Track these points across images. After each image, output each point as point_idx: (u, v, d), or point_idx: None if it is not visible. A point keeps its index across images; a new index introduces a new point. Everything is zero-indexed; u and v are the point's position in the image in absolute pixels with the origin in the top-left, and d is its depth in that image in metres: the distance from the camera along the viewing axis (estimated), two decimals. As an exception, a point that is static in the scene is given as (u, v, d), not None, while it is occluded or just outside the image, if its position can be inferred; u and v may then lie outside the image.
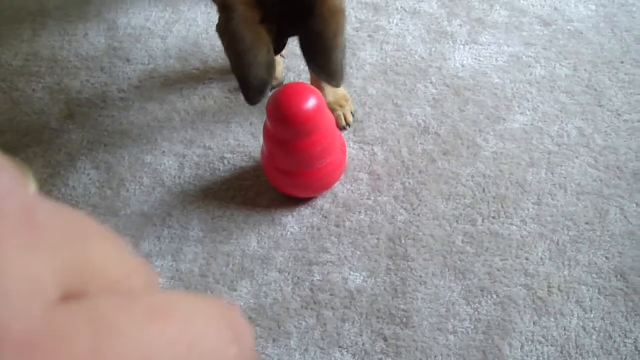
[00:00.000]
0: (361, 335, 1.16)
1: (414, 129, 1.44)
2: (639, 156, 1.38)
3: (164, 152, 1.45)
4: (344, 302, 1.20)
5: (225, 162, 1.42)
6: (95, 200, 1.38)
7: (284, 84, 1.44)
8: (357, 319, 1.18)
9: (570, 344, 1.13)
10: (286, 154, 1.23)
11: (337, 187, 1.35)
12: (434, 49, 1.60)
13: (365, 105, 1.49)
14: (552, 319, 1.16)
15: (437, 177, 1.36)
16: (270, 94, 1.20)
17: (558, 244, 1.25)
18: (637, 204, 1.30)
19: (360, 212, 1.32)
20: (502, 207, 1.31)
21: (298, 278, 1.24)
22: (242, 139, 1.45)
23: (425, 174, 1.37)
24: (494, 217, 1.30)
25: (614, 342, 1.13)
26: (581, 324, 1.16)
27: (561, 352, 1.13)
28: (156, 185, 1.40)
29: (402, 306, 1.19)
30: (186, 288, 1.25)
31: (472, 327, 1.16)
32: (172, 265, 1.28)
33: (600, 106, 1.47)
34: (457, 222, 1.29)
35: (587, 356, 1.12)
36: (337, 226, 1.30)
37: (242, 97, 1.51)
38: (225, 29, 1.06)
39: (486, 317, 1.17)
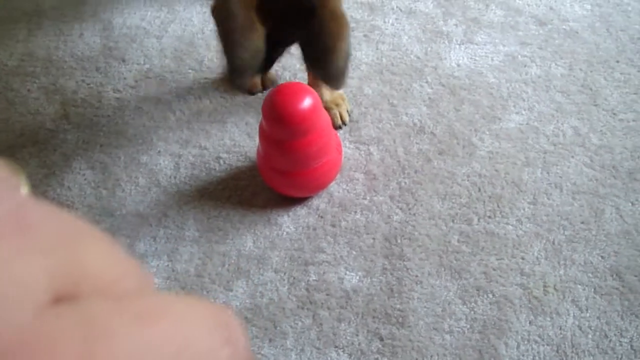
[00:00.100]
0: (357, 335, 1.16)
1: (410, 129, 1.44)
2: (634, 155, 1.38)
3: (159, 151, 1.45)
4: (340, 301, 1.20)
5: (221, 161, 1.42)
6: (90, 200, 1.38)
7: (279, 83, 1.44)
8: (353, 318, 1.18)
9: (566, 343, 1.14)
10: (282, 154, 1.23)
11: (333, 186, 1.35)
12: (429, 49, 1.60)
13: (361, 105, 1.49)
14: (548, 318, 1.17)
15: (433, 176, 1.36)
16: (265, 93, 1.20)
17: (554, 243, 1.26)
18: (632, 203, 1.30)
19: (356, 212, 1.32)
20: (498, 206, 1.31)
21: (294, 278, 1.24)
22: (238, 139, 1.45)
23: (420, 174, 1.37)
24: (489, 217, 1.30)
25: (610, 341, 1.14)
26: (577, 323, 1.16)
27: (557, 351, 1.13)
28: (152, 185, 1.39)
29: (398, 306, 1.19)
30: (182, 288, 1.24)
31: (468, 326, 1.16)
32: (167, 265, 1.27)
33: (596, 105, 1.47)
34: (453, 221, 1.30)
35: (583, 355, 1.12)
36: (333, 226, 1.30)
37: (237, 97, 1.52)
38: (221, 8, 1.05)
39: (482, 316, 1.17)
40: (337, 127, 1.42)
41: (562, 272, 1.22)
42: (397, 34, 1.64)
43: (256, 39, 1.04)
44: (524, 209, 1.31)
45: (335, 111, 1.42)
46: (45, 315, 0.17)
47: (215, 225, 1.32)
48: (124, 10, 1.78)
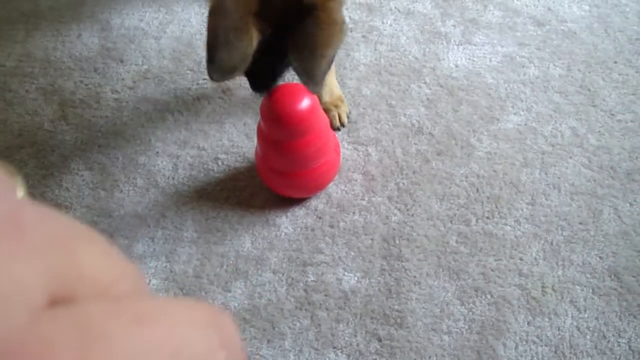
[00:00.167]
0: (355, 336, 1.16)
1: (408, 129, 1.44)
2: (632, 156, 1.38)
3: (157, 152, 1.45)
4: (338, 302, 1.20)
5: (219, 162, 1.42)
6: (88, 201, 1.38)
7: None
8: (351, 319, 1.18)
9: (564, 344, 1.14)
10: (280, 154, 1.23)
11: (331, 187, 1.35)
12: (427, 49, 1.61)
13: (359, 106, 1.49)
14: (546, 319, 1.17)
15: (431, 177, 1.36)
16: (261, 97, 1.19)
17: (552, 243, 1.26)
18: (630, 204, 1.31)
19: (354, 213, 1.32)
20: (496, 207, 1.31)
21: (292, 279, 1.24)
22: (236, 140, 1.45)
23: (419, 174, 1.37)
24: (487, 217, 1.30)
25: (608, 341, 1.14)
26: (575, 323, 1.16)
27: (555, 352, 1.13)
28: (150, 186, 1.39)
29: (396, 306, 1.19)
30: (180, 289, 1.24)
31: (466, 327, 1.16)
32: (165, 266, 1.27)
33: (594, 106, 1.47)
34: (451, 222, 1.30)
35: (581, 356, 1.12)
36: (331, 227, 1.30)
37: (234, 97, 1.52)
38: (218, 6, 1.04)
39: (480, 317, 1.17)
40: (335, 129, 1.42)
41: (560, 272, 1.22)
42: (396, 35, 1.64)
43: (246, 43, 1.03)
44: (522, 210, 1.31)
45: (334, 113, 1.42)
46: (41, 318, 0.17)
47: (213, 226, 1.32)
48: (122, 11, 1.78)
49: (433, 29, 1.65)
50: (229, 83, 1.55)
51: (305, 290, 1.22)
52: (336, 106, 1.43)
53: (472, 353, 1.14)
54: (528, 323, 1.16)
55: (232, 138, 1.45)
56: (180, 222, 1.33)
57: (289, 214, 1.33)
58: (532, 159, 1.38)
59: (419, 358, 1.14)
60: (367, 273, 1.24)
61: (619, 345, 1.13)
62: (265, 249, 1.28)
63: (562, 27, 1.64)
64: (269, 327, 1.18)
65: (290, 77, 1.54)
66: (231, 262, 1.27)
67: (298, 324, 1.18)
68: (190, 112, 1.51)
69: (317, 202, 1.33)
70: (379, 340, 1.16)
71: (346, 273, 1.24)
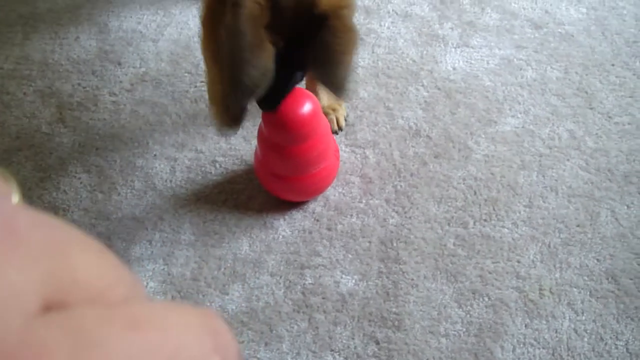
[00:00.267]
0: (353, 339, 1.16)
1: (406, 132, 1.44)
2: (629, 158, 1.38)
3: (155, 155, 1.45)
4: (336, 305, 1.20)
5: (217, 165, 1.42)
6: (86, 203, 1.38)
7: None
8: (348, 322, 1.18)
9: (562, 347, 1.14)
10: (281, 159, 1.23)
11: (329, 190, 1.35)
12: (425, 52, 1.61)
13: (357, 109, 1.49)
14: (544, 322, 1.17)
15: (429, 179, 1.36)
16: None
17: (549, 246, 1.26)
18: (627, 206, 1.31)
19: (351, 215, 1.32)
20: (494, 209, 1.31)
21: (290, 281, 1.24)
22: (234, 142, 1.45)
23: (416, 177, 1.37)
24: (485, 220, 1.30)
25: (605, 344, 1.14)
26: (572, 326, 1.16)
27: (552, 355, 1.13)
28: (147, 189, 1.39)
29: (394, 309, 1.19)
30: (177, 291, 1.24)
31: (464, 329, 1.16)
32: (163, 268, 1.27)
33: (591, 109, 1.47)
34: (449, 224, 1.30)
35: (579, 359, 1.12)
36: (329, 229, 1.30)
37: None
38: (229, 26, 1.03)
39: (478, 319, 1.17)
40: (333, 132, 1.42)
41: (557, 275, 1.22)
42: (393, 38, 1.64)
43: (266, 58, 1.02)
44: (519, 212, 1.31)
45: (332, 116, 1.42)
46: (34, 324, 0.17)
47: (211, 228, 1.32)
48: (120, 13, 1.78)
49: (431, 32, 1.66)
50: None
51: (303, 293, 1.22)
52: (334, 110, 1.43)
53: (470, 356, 1.13)
54: (525, 325, 1.16)
55: (229, 141, 1.45)
56: (178, 225, 1.33)
57: (286, 216, 1.33)
58: (529, 162, 1.38)
59: (416, 361, 1.14)
60: (364, 276, 1.24)
61: (617, 348, 1.13)
62: (262, 251, 1.28)
63: (559, 30, 1.64)
64: (267, 330, 1.18)
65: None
66: (229, 264, 1.27)
67: (296, 327, 1.18)
68: (188, 115, 1.52)
69: (314, 205, 1.33)
70: (377, 342, 1.16)
71: (344, 276, 1.24)
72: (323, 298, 1.21)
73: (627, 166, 1.37)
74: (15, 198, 0.21)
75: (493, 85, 1.52)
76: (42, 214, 0.20)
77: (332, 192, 1.35)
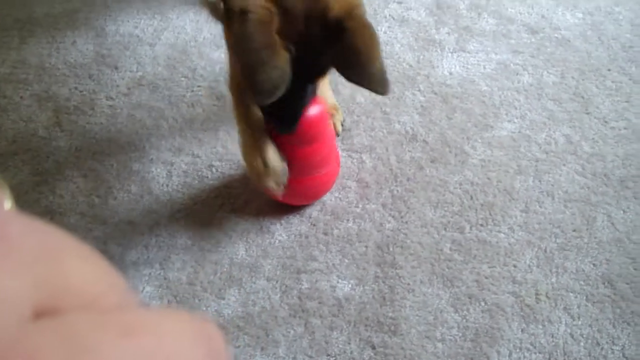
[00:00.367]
0: (349, 343, 1.16)
1: (402, 137, 1.44)
2: (625, 163, 1.38)
3: (151, 159, 1.45)
4: (332, 310, 1.20)
5: (213, 169, 1.42)
6: (82, 208, 1.38)
7: None
8: (345, 326, 1.18)
9: (558, 351, 1.14)
10: (285, 159, 1.22)
11: (326, 194, 1.35)
12: (421, 57, 1.61)
13: (354, 113, 1.49)
14: (540, 326, 1.17)
15: (425, 184, 1.36)
16: None
17: (545, 251, 1.26)
18: (624, 211, 1.31)
19: (348, 220, 1.32)
20: (490, 214, 1.31)
21: (286, 286, 1.24)
22: (230, 147, 1.45)
23: (413, 182, 1.37)
24: (481, 225, 1.30)
25: (602, 349, 1.14)
26: (569, 331, 1.16)
27: (549, 359, 1.13)
28: (144, 193, 1.39)
29: (390, 314, 1.19)
30: (174, 296, 1.24)
31: (460, 334, 1.16)
32: (159, 273, 1.27)
33: (587, 113, 1.47)
34: (445, 229, 1.30)
35: (575, 363, 1.12)
36: (325, 234, 1.30)
37: (229, 104, 1.51)
38: (238, 32, 1.03)
39: (474, 324, 1.17)
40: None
41: (554, 280, 1.22)
42: (390, 42, 1.65)
43: (282, 60, 1.01)
44: (516, 217, 1.31)
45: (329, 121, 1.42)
46: (27, 330, 0.17)
47: (207, 233, 1.32)
48: (117, 17, 1.78)
49: (427, 37, 1.66)
50: (223, 90, 1.55)
51: (299, 298, 1.22)
52: (331, 115, 1.43)
53: (466, 360, 1.13)
54: (522, 330, 1.16)
55: (226, 145, 1.45)
56: (174, 229, 1.33)
57: (283, 221, 1.33)
58: (525, 167, 1.38)
59: (412, 365, 1.14)
60: (361, 280, 1.23)
61: (613, 353, 1.13)
62: (259, 256, 1.28)
63: (555, 35, 1.65)
64: (263, 335, 1.18)
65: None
66: (225, 269, 1.27)
67: (292, 332, 1.18)
68: (185, 119, 1.52)
69: (311, 210, 1.33)
70: (373, 347, 1.15)
71: (340, 280, 1.24)
72: (319, 303, 1.21)
73: (623, 171, 1.37)
74: (8, 204, 0.21)
75: (489, 90, 1.53)
76: (35, 220, 0.20)
77: (329, 197, 1.35)
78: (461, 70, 1.57)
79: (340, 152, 1.41)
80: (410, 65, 1.59)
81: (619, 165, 1.38)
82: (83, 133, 1.51)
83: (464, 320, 1.18)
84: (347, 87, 1.53)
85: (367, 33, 1.03)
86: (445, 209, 1.33)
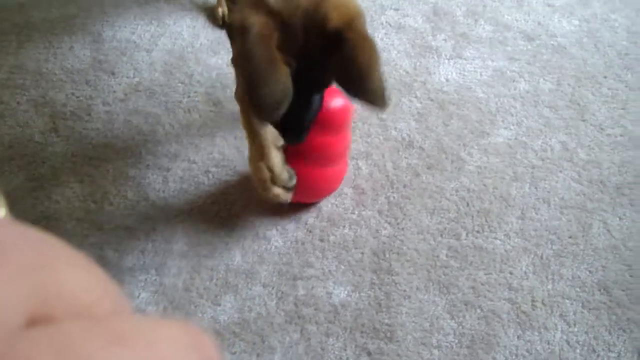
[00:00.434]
0: (345, 350, 1.16)
1: (399, 143, 1.44)
2: (621, 170, 1.39)
3: (148, 165, 1.44)
4: (328, 316, 1.20)
5: (210, 176, 1.42)
6: (78, 213, 1.38)
7: None
8: (341, 333, 1.18)
9: (554, 358, 1.14)
10: (305, 147, 1.21)
11: (322, 201, 1.35)
12: (418, 63, 1.61)
13: (350, 119, 1.49)
14: (536, 333, 1.17)
15: (421, 191, 1.36)
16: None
17: (542, 257, 1.26)
18: (620, 218, 1.31)
19: (344, 226, 1.32)
20: (486, 221, 1.31)
21: (282, 292, 1.24)
22: (227, 153, 1.45)
23: (409, 188, 1.37)
24: (477, 231, 1.30)
25: (598, 355, 1.14)
26: (565, 337, 1.16)
27: (545, 366, 1.13)
28: (140, 199, 1.39)
29: (386, 320, 1.19)
30: (169, 302, 1.24)
31: (456, 341, 1.16)
32: (155, 279, 1.27)
33: (584, 120, 1.48)
34: (441, 236, 1.30)
35: (571, 370, 1.12)
36: (321, 240, 1.30)
37: (225, 110, 1.52)
38: (241, 50, 1.02)
39: (470, 331, 1.17)
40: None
41: (550, 286, 1.22)
42: (387, 49, 1.65)
43: (284, 75, 1.00)
44: (512, 224, 1.31)
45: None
46: (19, 338, 0.17)
47: (203, 239, 1.32)
48: (114, 23, 1.78)
49: (424, 43, 1.66)
50: (220, 96, 1.55)
51: (295, 304, 1.22)
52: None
53: (462, 367, 1.13)
54: (518, 337, 1.16)
55: (223, 151, 1.45)
56: (171, 235, 1.33)
57: (279, 227, 1.33)
58: (522, 173, 1.38)
59: (408, 372, 1.13)
60: (357, 287, 1.23)
61: (609, 359, 1.13)
62: (255, 262, 1.28)
63: (552, 42, 1.65)
64: (259, 341, 1.18)
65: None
66: (221, 275, 1.27)
67: (288, 338, 1.18)
68: (181, 125, 1.52)
69: (307, 216, 1.33)
70: (369, 354, 1.15)
71: (336, 287, 1.24)
72: (315, 309, 1.21)
73: (619, 178, 1.37)
74: (2, 212, 0.21)
75: (486, 96, 1.53)
76: (28, 228, 0.20)
77: (325, 203, 1.35)
78: (458, 77, 1.58)
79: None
80: (407, 72, 1.59)
81: (615, 172, 1.38)
82: (79, 139, 1.51)
83: (460, 327, 1.18)
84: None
85: (367, 45, 1.03)
86: (442, 215, 1.33)
